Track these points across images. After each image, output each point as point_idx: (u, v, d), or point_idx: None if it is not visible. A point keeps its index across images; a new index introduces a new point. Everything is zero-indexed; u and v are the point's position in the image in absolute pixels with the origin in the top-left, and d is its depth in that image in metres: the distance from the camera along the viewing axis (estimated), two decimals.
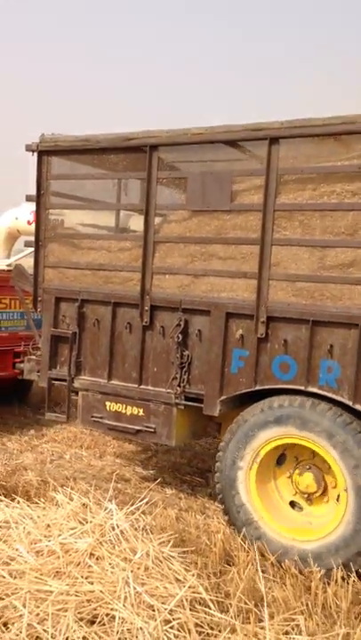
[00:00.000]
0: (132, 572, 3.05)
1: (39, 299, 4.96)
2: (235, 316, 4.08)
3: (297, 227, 3.84)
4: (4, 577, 3.02)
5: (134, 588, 2.94)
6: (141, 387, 4.50)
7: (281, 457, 4.15)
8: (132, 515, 3.68)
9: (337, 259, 3.71)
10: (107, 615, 2.84)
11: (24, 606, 2.84)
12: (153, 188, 4.35)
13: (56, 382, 4.91)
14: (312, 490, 3.96)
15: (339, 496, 3.77)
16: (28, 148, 4.86)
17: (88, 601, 2.89)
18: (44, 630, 2.75)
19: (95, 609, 2.87)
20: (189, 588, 3.01)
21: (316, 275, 3.77)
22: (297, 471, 4.06)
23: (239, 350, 4.09)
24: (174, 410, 4.36)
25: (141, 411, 4.50)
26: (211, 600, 3.04)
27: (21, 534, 3.38)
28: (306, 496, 4.03)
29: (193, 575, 3.18)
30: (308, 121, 3.70)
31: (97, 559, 3.18)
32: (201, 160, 4.33)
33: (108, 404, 4.66)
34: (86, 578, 3.04)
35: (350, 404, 3.70)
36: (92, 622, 2.83)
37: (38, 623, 2.78)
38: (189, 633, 2.79)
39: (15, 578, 3.04)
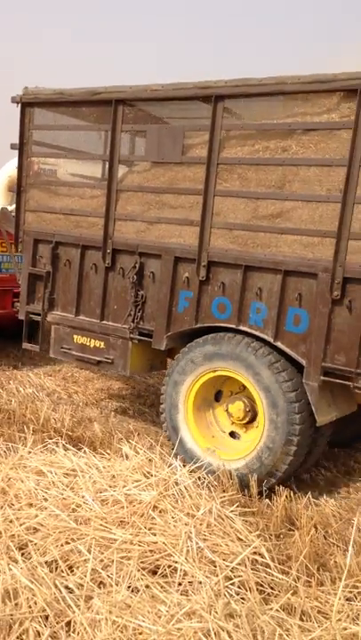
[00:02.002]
0: (194, 527, 3.08)
1: (20, 240, 5.46)
2: (182, 260, 4.50)
3: (236, 179, 4.20)
4: (70, 523, 3.07)
5: (196, 543, 2.97)
6: (103, 322, 4.99)
7: (218, 394, 4.62)
8: (194, 472, 3.71)
9: (267, 210, 4.08)
10: (168, 567, 2.88)
11: (89, 552, 2.89)
12: (117, 140, 4.74)
13: (32, 316, 5.44)
14: (241, 416, 4.43)
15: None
16: (13, 100, 5.28)
17: (151, 551, 2.94)
18: (108, 576, 2.79)
19: (157, 560, 2.90)
20: (251, 547, 3.04)
21: (250, 224, 4.15)
22: (230, 403, 4.52)
23: (185, 291, 4.53)
24: (129, 344, 4.85)
25: (102, 343, 5.01)
26: (273, 561, 3.06)
27: (87, 483, 3.42)
28: (241, 424, 4.51)
29: (255, 536, 3.21)
30: (247, 80, 4.02)
31: (160, 512, 3.21)
32: (159, 114, 4.68)
33: (75, 336, 5.18)
34: (149, 529, 3.08)
35: (272, 340, 4.12)
36: (154, 572, 2.87)
37: (102, 569, 2.82)
38: (250, 591, 2.80)
39: (81, 524, 3.09)
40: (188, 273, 4.48)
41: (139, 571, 2.82)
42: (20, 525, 3.05)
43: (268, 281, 4.12)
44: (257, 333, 4.20)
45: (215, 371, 4.39)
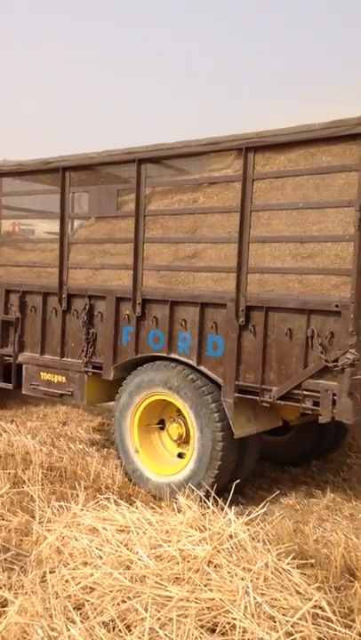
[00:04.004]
0: (251, 581, 3.02)
1: None
2: (122, 300, 5.15)
3: (159, 228, 4.88)
4: (125, 581, 3.05)
5: (254, 598, 2.90)
6: (63, 359, 5.64)
7: (162, 423, 5.17)
8: (249, 524, 3.63)
9: (184, 252, 4.73)
10: (227, 624, 2.82)
11: (146, 610, 2.84)
12: (66, 200, 5.51)
13: (6, 358, 6.13)
14: (176, 437, 4.96)
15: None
16: None
17: (208, 608, 2.89)
18: (166, 635, 2.73)
19: (215, 617, 2.86)
20: (312, 601, 2.97)
21: (172, 264, 4.80)
22: (169, 426, 5.07)
23: (127, 327, 5.17)
24: (85, 376, 5.48)
25: (64, 378, 5.65)
26: (334, 614, 2.97)
27: (141, 539, 3.39)
28: (179, 444, 5.03)
29: (314, 588, 3.12)
30: (161, 145, 4.76)
31: (215, 567, 3.17)
32: (98, 177, 5.44)
33: (42, 373, 5.83)
34: (205, 585, 3.03)
35: (196, 365, 4.70)
36: (213, 630, 2.82)
37: (160, 628, 2.77)
38: None
39: (136, 582, 3.06)
40: (128, 310, 5.12)
41: (197, 629, 2.77)
42: (76, 585, 3.07)
43: (190, 313, 4.73)
44: (184, 360, 4.79)
45: (153, 395, 4.97)
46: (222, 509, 3.73)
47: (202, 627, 2.81)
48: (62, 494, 4.53)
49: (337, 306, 3.95)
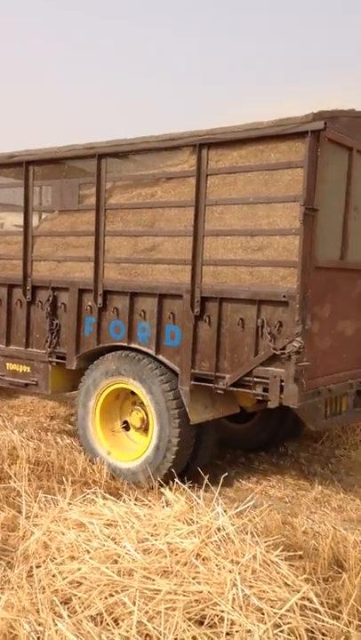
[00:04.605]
0: (239, 574, 3.02)
1: None
2: (85, 292, 5.29)
3: (119, 221, 5.02)
4: (113, 575, 3.04)
5: (242, 591, 2.91)
6: (28, 349, 5.76)
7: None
8: (237, 517, 3.64)
9: (143, 245, 4.88)
10: (215, 616, 2.83)
11: (134, 604, 2.85)
12: (30, 194, 5.61)
13: None
14: (139, 424, 5.13)
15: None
16: None
17: (196, 601, 2.90)
18: (154, 628, 2.74)
19: (203, 609, 2.86)
20: (300, 593, 2.99)
21: (132, 257, 4.95)
22: (131, 415, 5.23)
23: (89, 318, 5.30)
24: (49, 366, 5.61)
25: (29, 368, 5.77)
26: (322, 606, 2.98)
27: (129, 533, 3.39)
28: (141, 431, 5.20)
29: (302, 580, 3.14)
30: (121, 140, 4.89)
31: (203, 560, 3.16)
32: (60, 171, 5.55)
33: (7, 364, 5.95)
34: (193, 578, 3.03)
35: (154, 354, 4.86)
36: (201, 623, 2.82)
37: (148, 621, 2.77)
38: (300, 638, 2.74)
39: (124, 575, 3.05)
40: (90, 302, 5.26)
41: (185, 622, 2.77)
42: (63, 579, 3.06)
43: (149, 304, 4.89)
44: (144, 349, 4.95)
45: (115, 383, 5.12)
46: (211, 502, 3.74)
47: (190, 619, 2.81)
48: (49, 489, 4.49)
49: (284, 296, 4.13)
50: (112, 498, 3.93)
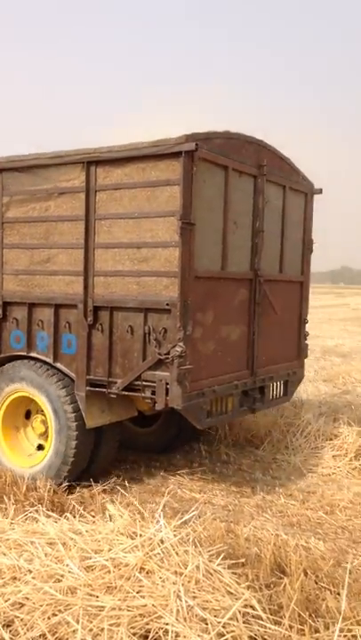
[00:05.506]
0: (182, 585, 3.04)
1: None
2: None
3: (16, 234, 5.19)
4: (56, 594, 3.02)
5: (186, 602, 2.93)
6: None
7: (28, 415, 5.47)
8: (180, 528, 3.65)
9: (39, 257, 5.07)
10: (160, 629, 2.83)
11: (77, 622, 2.83)
12: None
13: None
14: (41, 431, 5.30)
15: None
16: None
17: (140, 615, 2.90)
18: None
19: (147, 623, 2.86)
20: (241, 600, 3.01)
21: (29, 269, 5.13)
22: (33, 421, 5.39)
23: None
24: None
25: None
26: (264, 612, 3.01)
27: (72, 550, 3.37)
28: (44, 437, 5.36)
29: (245, 587, 3.16)
30: (14, 157, 5.07)
31: (147, 573, 3.18)
32: None
33: None
34: (138, 592, 3.04)
35: (52, 362, 5.05)
36: (146, 637, 2.82)
37: (92, 638, 2.77)
38: None
39: (67, 594, 3.03)
40: None
41: (129, 637, 2.78)
42: (5, 602, 3.01)
43: (47, 314, 5.08)
44: (42, 357, 5.13)
45: (16, 392, 5.27)
46: (154, 514, 3.77)
47: (134, 634, 2.81)
48: None
49: (167, 304, 4.42)
50: (55, 515, 3.94)
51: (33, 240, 5.10)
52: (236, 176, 4.84)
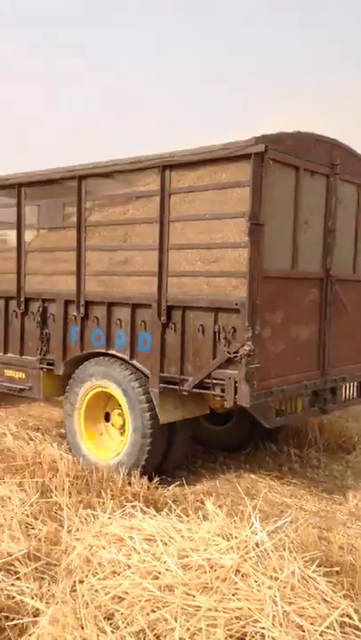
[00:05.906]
0: (278, 590, 3.03)
1: None
2: (69, 302, 5.74)
3: (97, 237, 5.47)
4: (154, 590, 3.05)
5: (282, 607, 2.92)
6: (23, 357, 6.24)
7: (108, 416, 5.73)
8: (274, 532, 3.66)
9: (118, 258, 5.31)
10: (256, 633, 2.82)
11: (175, 620, 2.86)
12: (22, 213, 6.11)
13: None
14: (120, 424, 5.53)
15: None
16: None
17: (237, 618, 2.89)
18: None
19: (244, 626, 2.85)
20: (339, 609, 2.98)
21: (108, 270, 5.38)
22: (112, 416, 5.64)
23: (74, 326, 5.75)
24: (40, 372, 6.07)
25: (23, 374, 6.25)
26: None
27: (170, 547, 3.40)
28: (122, 431, 5.60)
29: (341, 596, 3.13)
30: (98, 163, 5.34)
31: (243, 576, 3.17)
32: (48, 192, 6.04)
33: (5, 371, 6.44)
34: (233, 594, 3.03)
35: (129, 360, 5.26)
36: None
37: (190, 638, 2.78)
38: None
39: (165, 591, 3.06)
40: (74, 312, 5.71)
41: (226, 638, 2.80)
42: (106, 595, 3.09)
43: (124, 313, 5.30)
44: (120, 355, 5.36)
45: (97, 387, 5.54)
46: (247, 517, 3.76)
47: (231, 636, 2.81)
48: (89, 503, 4.55)
49: (236, 304, 4.49)
50: (151, 511, 3.98)
51: (112, 242, 5.35)
52: (308, 176, 4.82)
